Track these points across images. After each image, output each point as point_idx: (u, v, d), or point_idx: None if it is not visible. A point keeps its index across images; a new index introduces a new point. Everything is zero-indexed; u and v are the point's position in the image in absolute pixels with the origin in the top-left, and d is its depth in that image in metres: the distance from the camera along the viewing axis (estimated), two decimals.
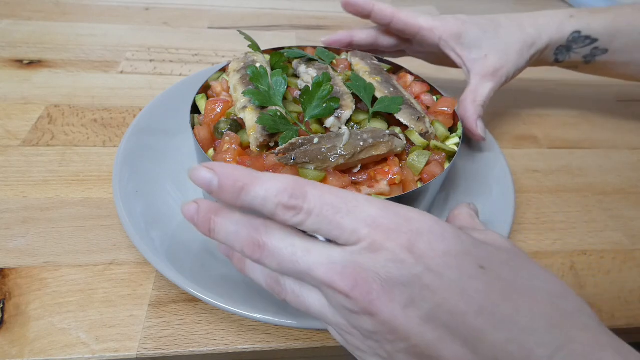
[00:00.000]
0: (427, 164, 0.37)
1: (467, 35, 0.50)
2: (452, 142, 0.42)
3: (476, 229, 0.30)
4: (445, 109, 0.43)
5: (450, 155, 0.39)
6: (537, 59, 0.52)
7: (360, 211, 0.24)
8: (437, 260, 0.23)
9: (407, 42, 0.56)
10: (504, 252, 0.26)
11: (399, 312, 0.22)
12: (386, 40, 0.55)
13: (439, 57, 0.55)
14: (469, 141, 0.52)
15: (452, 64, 0.53)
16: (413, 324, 0.22)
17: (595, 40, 0.51)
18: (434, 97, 0.46)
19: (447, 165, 0.38)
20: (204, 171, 0.25)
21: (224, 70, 0.47)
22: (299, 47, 0.49)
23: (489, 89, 0.48)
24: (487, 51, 0.49)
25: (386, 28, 0.53)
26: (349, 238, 0.24)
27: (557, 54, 0.52)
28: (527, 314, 0.22)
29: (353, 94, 0.40)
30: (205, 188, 0.25)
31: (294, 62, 0.46)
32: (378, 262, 0.23)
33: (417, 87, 0.46)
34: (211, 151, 0.38)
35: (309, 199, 0.24)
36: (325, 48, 0.50)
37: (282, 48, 0.49)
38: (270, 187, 0.24)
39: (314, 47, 0.50)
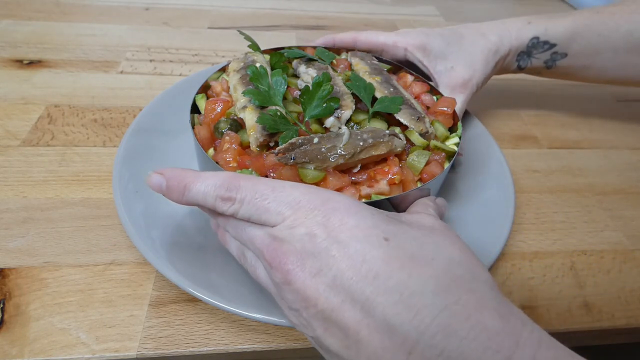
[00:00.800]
0: (427, 163, 0.37)
1: (431, 46, 0.50)
2: (452, 142, 0.42)
3: (413, 212, 0.32)
4: (445, 108, 0.43)
5: (450, 155, 0.39)
6: (501, 66, 0.53)
7: (286, 195, 0.27)
8: (346, 233, 0.25)
9: None
10: (419, 229, 0.27)
11: (309, 280, 0.24)
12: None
13: None
14: (468, 140, 0.52)
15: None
16: (320, 290, 0.24)
17: (553, 45, 0.52)
18: (434, 97, 0.46)
19: (446, 165, 0.38)
20: (155, 176, 0.29)
21: (223, 70, 0.47)
22: (299, 47, 0.49)
23: (461, 101, 0.49)
24: (453, 63, 0.50)
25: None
26: (276, 219, 0.26)
27: (519, 60, 0.53)
28: (418, 279, 0.23)
29: (353, 94, 0.40)
30: (157, 191, 0.29)
31: (294, 62, 0.46)
32: (295, 236, 0.25)
33: (417, 87, 0.47)
34: (211, 151, 0.38)
35: (241, 190, 0.27)
36: (326, 48, 0.50)
37: (282, 48, 0.49)
38: (210, 183, 0.28)
39: (314, 47, 0.50)
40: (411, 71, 0.50)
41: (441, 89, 0.49)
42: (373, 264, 0.24)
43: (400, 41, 0.51)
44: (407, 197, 0.35)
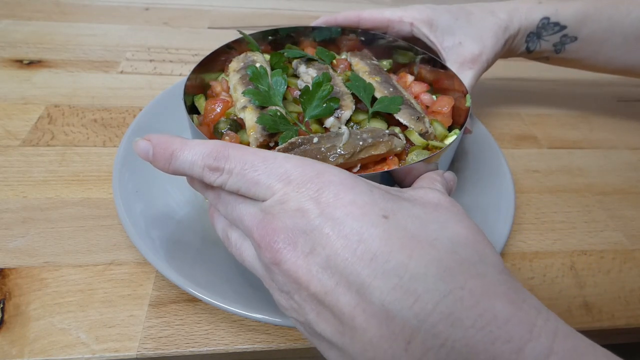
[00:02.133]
0: None
1: (438, 21, 0.49)
2: (451, 141, 0.41)
3: (418, 188, 0.29)
4: (443, 108, 0.43)
5: None
6: (510, 47, 0.51)
7: (277, 166, 0.25)
8: (341, 210, 0.23)
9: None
10: (422, 206, 0.25)
11: (301, 260, 0.23)
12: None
13: None
14: (468, 140, 0.52)
15: None
16: (313, 271, 0.22)
17: (564, 27, 0.50)
18: (433, 97, 0.46)
19: (452, 138, 0.36)
20: (142, 142, 0.28)
21: (223, 69, 0.47)
22: (296, 32, 0.49)
23: (470, 77, 0.47)
24: (461, 38, 0.48)
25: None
26: (266, 193, 0.24)
27: (528, 41, 0.51)
28: (420, 261, 0.21)
29: (353, 94, 0.40)
30: (143, 158, 0.28)
31: (294, 62, 0.46)
32: (287, 212, 0.23)
33: (417, 87, 0.46)
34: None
35: (230, 159, 0.25)
36: (325, 47, 0.50)
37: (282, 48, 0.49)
38: (197, 151, 0.26)
39: (314, 47, 0.50)
40: (418, 48, 0.49)
41: (449, 65, 0.47)
42: (370, 244, 0.22)
43: (406, 16, 0.50)
44: (412, 170, 0.33)
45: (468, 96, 0.42)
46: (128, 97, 0.59)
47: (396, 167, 0.32)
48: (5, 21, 0.72)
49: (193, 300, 0.36)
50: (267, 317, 0.33)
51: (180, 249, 0.37)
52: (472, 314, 0.20)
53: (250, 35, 0.47)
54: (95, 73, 0.63)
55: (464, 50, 0.48)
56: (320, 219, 0.23)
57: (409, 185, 0.32)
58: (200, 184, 0.29)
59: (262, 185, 0.25)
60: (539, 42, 0.51)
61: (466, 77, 0.46)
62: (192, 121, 0.40)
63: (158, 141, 0.27)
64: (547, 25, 0.50)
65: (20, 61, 0.63)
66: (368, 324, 0.21)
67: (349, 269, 0.22)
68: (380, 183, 0.27)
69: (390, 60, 0.52)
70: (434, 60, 0.47)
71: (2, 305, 0.35)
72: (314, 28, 0.51)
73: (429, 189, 0.29)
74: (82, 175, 0.46)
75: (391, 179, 0.33)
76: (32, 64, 0.63)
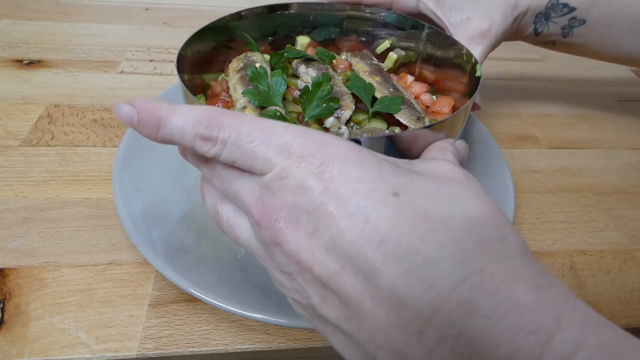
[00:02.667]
0: None
1: None
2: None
3: (428, 159, 0.27)
4: (443, 108, 0.43)
5: None
6: (517, 28, 0.50)
7: (276, 138, 0.23)
8: (346, 187, 0.21)
9: None
10: (435, 181, 0.23)
11: (303, 241, 0.21)
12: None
13: None
14: (469, 141, 0.52)
15: None
16: (316, 254, 0.21)
17: (573, 9, 0.49)
18: (433, 97, 0.46)
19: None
20: (125, 107, 0.25)
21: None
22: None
23: (480, 52, 0.46)
24: (469, 14, 0.47)
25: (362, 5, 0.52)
26: (264, 166, 0.23)
27: (536, 22, 0.50)
28: (433, 243, 0.20)
29: (353, 94, 0.40)
30: (127, 123, 0.25)
31: (294, 62, 0.46)
32: (287, 189, 0.22)
33: (417, 88, 0.46)
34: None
35: (224, 128, 0.23)
36: (324, 48, 0.50)
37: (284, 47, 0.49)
38: (187, 118, 0.24)
39: (314, 47, 0.50)
40: (424, 22, 0.48)
41: (458, 40, 0.46)
42: (379, 225, 0.20)
43: None
44: (418, 137, 0.30)
45: (478, 66, 0.41)
46: (128, 97, 0.58)
47: (404, 132, 0.30)
48: (5, 21, 0.72)
49: (193, 300, 0.36)
50: (267, 317, 0.33)
51: (180, 249, 0.37)
52: (492, 301, 0.18)
53: (252, 9, 0.47)
54: (95, 73, 0.63)
55: (472, 26, 0.46)
56: (323, 196, 0.21)
57: (416, 156, 0.30)
58: (193, 155, 0.27)
59: (259, 158, 0.23)
60: (547, 23, 0.50)
61: (475, 52, 0.45)
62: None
63: (143, 107, 0.24)
64: (555, 6, 0.49)
65: (20, 61, 0.63)
66: (377, 310, 0.19)
67: (355, 251, 0.20)
68: (385, 151, 0.25)
69: (393, 39, 0.51)
70: (441, 34, 0.47)
71: (2, 305, 0.35)
72: (314, 23, 0.51)
73: (441, 160, 0.27)
74: (82, 175, 0.46)
75: (395, 148, 0.31)
76: (32, 64, 0.63)
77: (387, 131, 0.36)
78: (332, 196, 0.21)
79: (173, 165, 0.45)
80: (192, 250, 0.38)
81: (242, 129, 0.23)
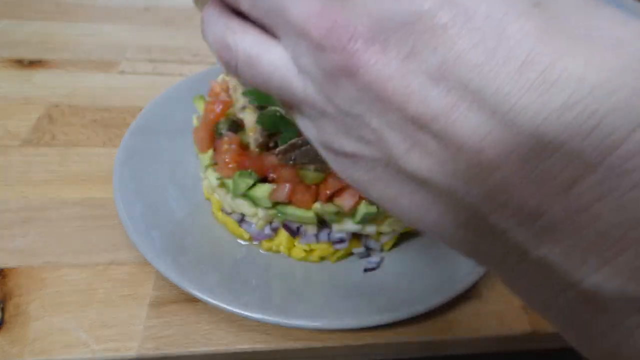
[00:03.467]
0: None
1: None
2: None
3: None
4: None
5: None
6: None
7: None
8: None
9: None
10: None
11: (393, 67, 0.14)
12: None
13: None
14: None
15: None
16: (414, 84, 0.14)
17: None
18: None
19: None
20: None
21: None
22: None
23: None
24: None
25: None
26: None
27: None
28: (599, 70, 0.13)
29: None
30: None
31: None
32: None
33: None
34: (210, 152, 0.38)
35: None
36: None
37: None
38: None
39: None
40: None
41: None
42: (519, 44, 0.13)
43: None
44: None
45: None
46: (128, 97, 0.58)
47: None
48: (5, 21, 0.72)
49: (193, 300, 0.36)
50: (267, 317, 0.33)
51: (180, 249, 0.37)
52: None
53: None
54: (95, 73, 0.63)
55: None
56: (430, 2, 0.14)
57: None
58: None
59: None
60: None
61: None
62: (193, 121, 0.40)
63: None
64: None
65: (20, 61, 0.63)
66: (507, 159, 0.14)
67: (479, 81, 0.14)
68: None
69: None
70: None
71: (2, 305, 0.35)
72: None
73: None
74: (82, 175, 0.46)
75: None
76: (32, 64, 0.63)
77: None
78: (445, 1, 0.14)
79: (173, 165, 0.45)
80: (193, 250, 0.38)
81: None
